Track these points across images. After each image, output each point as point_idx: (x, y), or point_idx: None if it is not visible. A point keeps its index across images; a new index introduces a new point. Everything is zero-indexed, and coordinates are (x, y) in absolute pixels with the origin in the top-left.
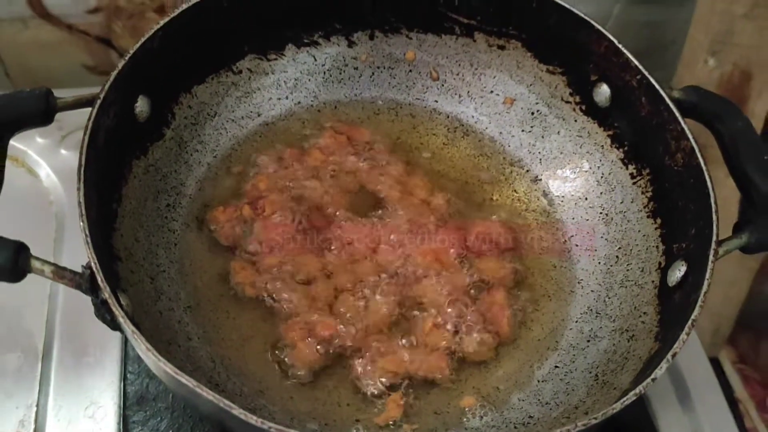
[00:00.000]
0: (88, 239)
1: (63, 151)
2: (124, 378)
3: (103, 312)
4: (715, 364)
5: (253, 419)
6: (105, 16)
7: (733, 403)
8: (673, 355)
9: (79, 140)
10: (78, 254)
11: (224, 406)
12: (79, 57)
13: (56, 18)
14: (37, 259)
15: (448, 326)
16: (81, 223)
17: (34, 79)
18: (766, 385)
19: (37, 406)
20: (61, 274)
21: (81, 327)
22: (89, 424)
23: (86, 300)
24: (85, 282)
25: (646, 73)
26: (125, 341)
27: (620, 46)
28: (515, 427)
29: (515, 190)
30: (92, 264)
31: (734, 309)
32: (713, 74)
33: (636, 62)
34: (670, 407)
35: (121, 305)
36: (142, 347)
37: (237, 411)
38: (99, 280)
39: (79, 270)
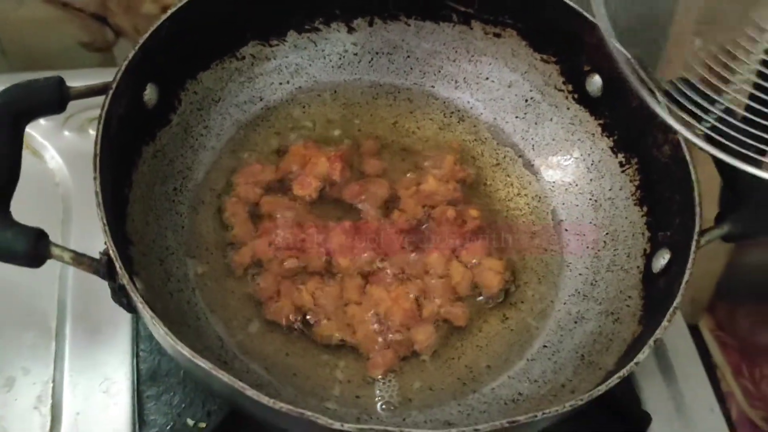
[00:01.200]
0: (107, 228)
1: (66, 133)
2: (136, 355)
3: (120, 296)
4: (695, 331)
5: (264, 399)
6: None
7: (710, 368)
8: (655, 341)
9: (82, 122)
10: (86, 235)
11: (238, 387)
12: (74, 34)
13: None
14: (57, 246)
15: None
16: (99, 212)
17: (30, 56)
18: (742, 351)
19: (54, 382)
20: (79, 260)
21: (92, 306)
22: (104, 399)
23: (95, 281)
24: (102, 268)
25: (637, 67)
26: (136, 320)
27: (612, 39)
28: (505, 404)
29: (508, 175)
30: (111, 252)
31: (713, 279)
32: (699, 54)
33: (628, 55)
34: (651, 375)
35: (137, 290)
36: (160, 331)
37: (250, 392)
38: (118, 267)
39: (94, 253)
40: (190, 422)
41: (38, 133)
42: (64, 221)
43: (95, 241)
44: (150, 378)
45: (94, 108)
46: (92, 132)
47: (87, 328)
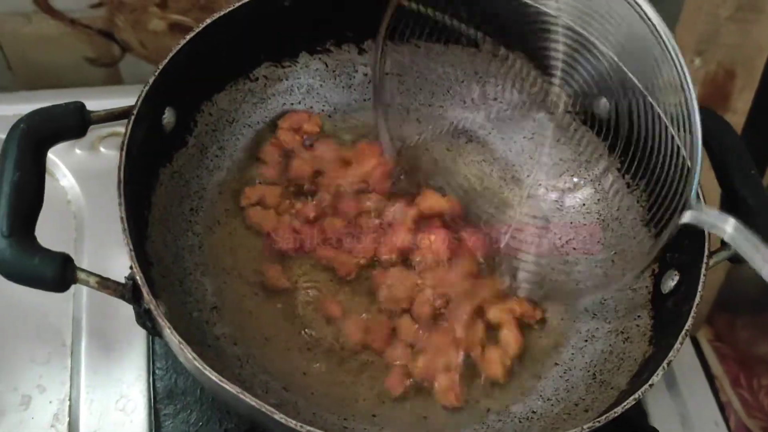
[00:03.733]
0: (133, 254)
1: (78, 151)
2: (153, 373)
3: (145, 320)
4: (694, 342)
5: (292, 423)
6: (108, 10)
7: (709, 379)
8: (669, 363)
9: (93, 140)
10: (99, 253)
11: (266, 410)
12: (80, 50)
13: (60, 13)
14: (83, 270)
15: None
16: (125, 238)
17: (36, 71)
18: (740, 362)
19: (70, 400)
20: (105, 284)
21: (106, 324)
22: (121, 417)
23: (108, 298)
24: (128, 292)
25: (644, 92)
26: (151, 338)
27: (621, 63)
28: (519, 422)
29: (517, 195)
30: (138, 278)
31: (712, 291)
32: (699, 72)
33: (635, 80)
34: (657, 389)
35: (164, 314)
36: (188, 356)
37: (278, 416)
38: (145, 293)
39: (108, 271)
40: None
41: (50, 151)
42: (76, 239)
43: (108, 259)
44: (167, 396)
45: (105, 126)
46: (103, 150)
47: (102, 346)
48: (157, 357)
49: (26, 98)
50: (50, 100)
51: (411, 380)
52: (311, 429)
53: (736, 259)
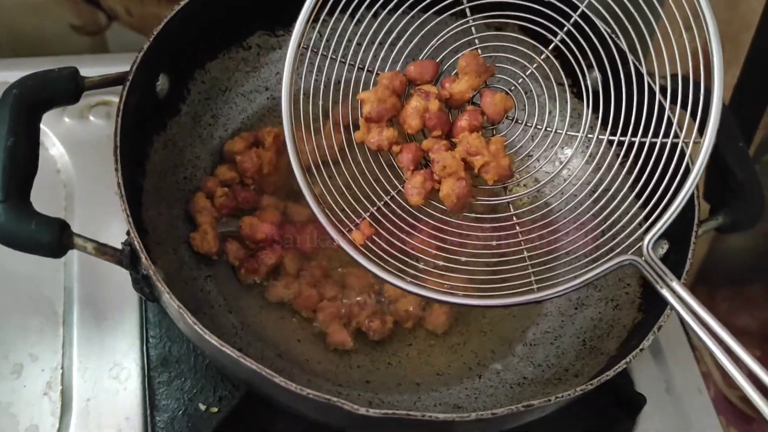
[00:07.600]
0: (130, 219)
1: (66, 119)
2: (146, 341)
3: (143, 285)
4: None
5: (293, 386)
6: None
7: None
8: (659, 328)
9: (82, 108)
10: (89, 222)
11: (266, 374)
12: (66, 18)
13: None
14: (79, 236)
15: None
16: (122, 204)
17: (20, 40)
18: None
19: (63, 368)
20: (102, 250)
21: (97, 292)
22: (114, 385)
23: (100, 267)
24: (125, 258)
25: (636, 63)
26: (143, 306)
27: (613, 36)
28: (511, 387)
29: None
30: (136, 243)
31: (695, 265)
32: (688, 47)
33: (628, 53)
34: (643, 357)
35: (162, 280)
36: (188, 321)
37: (278, 379)
38: (143, 258)
39: (99, 240)
40: (202, 407)
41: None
42: (66, 208)
43: (99, 228)
44: (161, 364)
45: (95, 95)
46: (93, 119)
47: (94, 315)
48: (150, 325)
49: (13, 65)
50: (38, 67)
51: None
52: (310, 391)
53: (723, 229)
